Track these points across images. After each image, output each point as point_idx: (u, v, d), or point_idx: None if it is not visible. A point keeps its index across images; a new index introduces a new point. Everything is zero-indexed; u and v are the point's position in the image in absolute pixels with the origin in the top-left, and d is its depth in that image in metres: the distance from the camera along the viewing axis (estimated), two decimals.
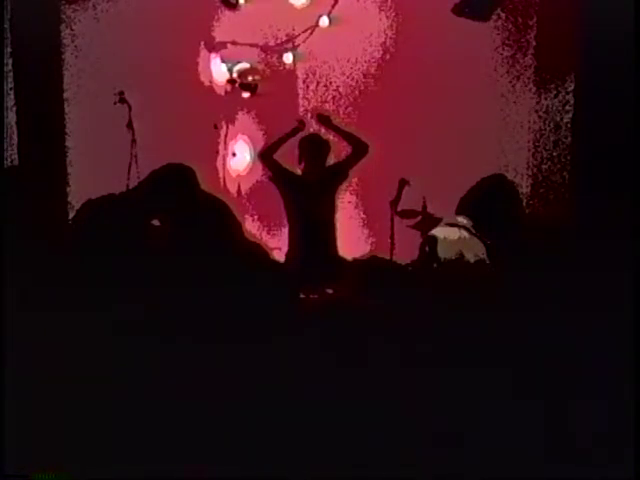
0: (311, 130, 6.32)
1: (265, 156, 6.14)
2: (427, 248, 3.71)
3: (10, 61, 5.52)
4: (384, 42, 6.67)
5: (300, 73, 6.92)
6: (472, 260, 3.62)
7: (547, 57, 6.30)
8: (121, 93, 5.93)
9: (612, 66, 5.21)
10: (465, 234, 3.74)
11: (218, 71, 6.78)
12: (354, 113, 6.70)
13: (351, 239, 6.36)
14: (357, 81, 6.82)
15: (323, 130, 6.31)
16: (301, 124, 6.24)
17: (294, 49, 6.77)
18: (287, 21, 6.70)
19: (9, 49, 5.51)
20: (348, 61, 6.80)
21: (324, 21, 6.59)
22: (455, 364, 2.73)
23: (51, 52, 5.85)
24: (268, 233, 6.68)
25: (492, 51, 6.45)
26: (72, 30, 6.02)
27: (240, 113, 6.90)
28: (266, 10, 6.53)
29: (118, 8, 6.09)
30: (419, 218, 6.18)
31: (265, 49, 6.79)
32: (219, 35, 6.70)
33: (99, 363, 2.67)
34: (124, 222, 3.19)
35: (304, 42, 6.72)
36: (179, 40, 6.15)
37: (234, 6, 6.55)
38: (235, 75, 6.74)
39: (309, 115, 6.60)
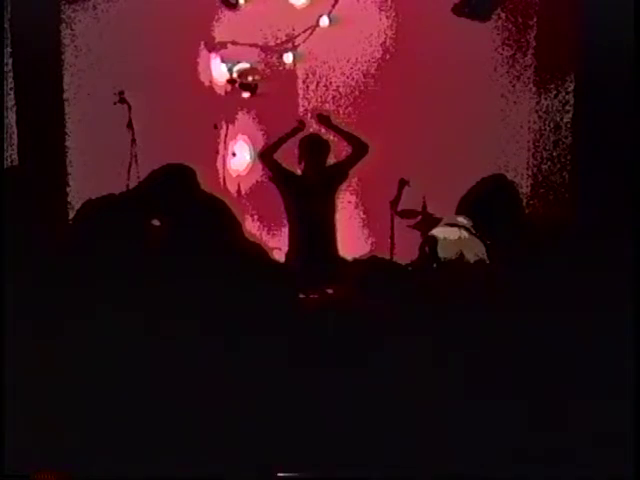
0: (311, 130, 6.32)
1: (265, 156, 6.14)
2: (427, 248, 3.71)
3: (10, 61, 5.52)
4: (384, 42, 6.67)
5: (300, 73, 6.92)
6: (472, 260, 3.62)
7: (547, 57, 6.30)
8: (121, 93, 5.92)
9: (612, 66, 5.21)
10: (465, 234, 3.74)
11: (218, 71, 6.78)
12: (354, 113, 6.70)
13: (351, 239, 6.36)
14: (357, 81, 6.82)
15: (323, 130, 6.30)
16: (301, 124, 6.24)
17: (294, 49, 6.77)
18: (287, 21, 6.70)
19: (9, 49, 5.51)
20: (348, 61, 6.80)
21: (324, 21, 6.59)
22: (455, 364, 2.73)
23: (51, 52, 5.84)
24: (268, 233, 6.68)
25: (492, 51, 6.45)
26: (72, 30, 6.01)
27: (240, 113, 6.89)
28: (266, 10, 6.53)
29: (118, 8, 6.08)
30: (419, 218, 6.18)
31: (265, 49, 6.78)
32: (219, 35, 6.70)
33: (99, 363, 2.67)
34: (124, 222, 3.19)
35: (304, 42, 6.72)
36: (179, 40, 6.15)
37: (234, 6, 6.55)
38: (235, 75, 6.74)
39: (309, 115, 6.60)
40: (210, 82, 6.78)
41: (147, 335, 2.72)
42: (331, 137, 6.20)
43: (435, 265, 3.65)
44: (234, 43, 6.66)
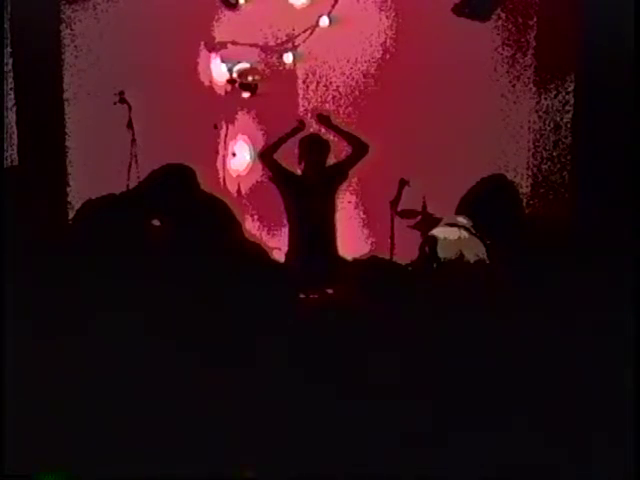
0: (311, 130, 6.32)
1: (265, 156, 6.14)
2: (427, 248, 3.71)
3: (10, 61, 5.52)
4: (384, 42, 6.67)
5: (300, 73, 6.92)
6: (472, 260, 3.62)
7: (547, 57, 6.31)
8: (121, 93, 5.93)
9: (612, 66, 5.21)
10: (465, 234, 3.74)
11: (218, 71, 6.79)
12: (354, 113, 6.70)
13: (351, 239, 6.36)
14: (357, 81, 6.82)
15: (323, 130, 6.31)
16: (301, 124, 6.24)
17: (294, 49, 6.78)
18: (287, 21, 6.70)
19: (9, 49, 5.51)
20: (348, 61, 6.80)
21: (324, 21, 6.60)
22: (455, 364, 2.73)
23: (51, 52, 5.85)
24: (268, 233, 6.68)
25: (492, 51, 6.45)
26: (72, 30, 6.02)
27: (240, 113, 6.90)
28: (266, 10, 6.53)
29: (118, 8, 6.09)
30: (419, 218, 6.18)
31: (265, 49, 6.79)
32: (219, 35, 6.70)
33: (99, 363, 2.67)
34: (124, 222, 3.19)
35: (304, 42, 6.73)
36: (179, 40, 6.16)
37: (234, 6, 6.55)
38: (235, 75, 6.74)
39: (309, 115, 6.60)
40: (210, 82, 6.79)
41: (147, 335, 2.72)
42: (331, 137, 6.20)
43: (435, 265, 3.65)
44: (234, 43, 6.66)
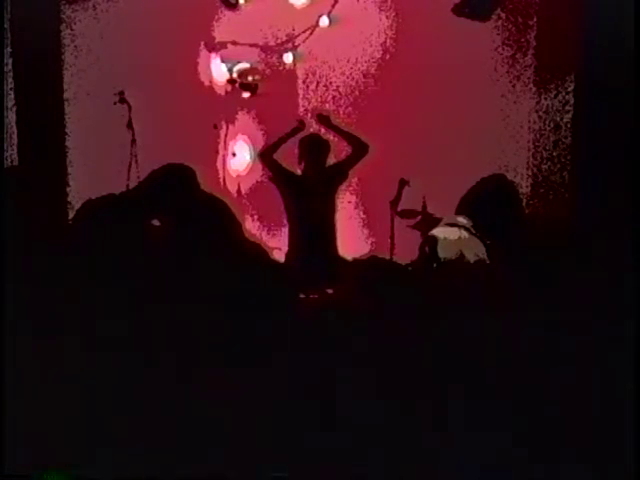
0: (311, 130, 6.32)
1: (265, 156, 6.14)
2: (427, 248, 3.71)
3: (10, 61, 5.52)
4: (384, 42, 6.67)
5: (300, 73, 6.93)
6: (472, 260, 3.62)
7: (547, 57, 6.30)
8: (121, 93, 5.93)
9: (612, 66, 5.21)
10: (465, 234, 3.74)
11: (218, 71, 6.79)
12: (354, 113, 6.70)
13: (351, 239, 6.36)
14: (357, 81, 6.82)
15: (323, 130, 6.31)
16: (301, 124, 6.24)
17: (294, 49, 6.78)
18: (287, 21, 6.70)
19: (9, 49, 5.51)
20: (348, 61, 6.80)
21: (324, 21, 6.60)
22: (455, 364, 2.73)
23: (51, 52, 5.85)
24: (268, 233, 6.68)
25: (492, 51, 6.45)
26: (72, 30, 6.01)
27: (240, 113, 6.90)
28: (266, 10, 6.53)
29: (118, 8, 6.09)
30: (419, 218, 6.18)
31: (265, 49, 6.79)
32: (219, 35, 6.71)
33: (99, 363, 2.67)
34: (124, 222, 3.19)
35: (304, 42, 6.73)
36: (179, 40, 6.16)
37: (234, 6, 6.56)
38: (235, 75, 6.75)
39: (309, 115, 6.60)
40: (210, 82, 6.79)
41: (147, 335, 2.72)
42: (331, 137, 6.20)
43: (435, 265, 3.65)
44: (234, 43, 6.66)
